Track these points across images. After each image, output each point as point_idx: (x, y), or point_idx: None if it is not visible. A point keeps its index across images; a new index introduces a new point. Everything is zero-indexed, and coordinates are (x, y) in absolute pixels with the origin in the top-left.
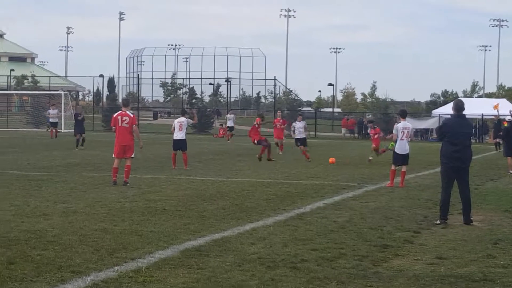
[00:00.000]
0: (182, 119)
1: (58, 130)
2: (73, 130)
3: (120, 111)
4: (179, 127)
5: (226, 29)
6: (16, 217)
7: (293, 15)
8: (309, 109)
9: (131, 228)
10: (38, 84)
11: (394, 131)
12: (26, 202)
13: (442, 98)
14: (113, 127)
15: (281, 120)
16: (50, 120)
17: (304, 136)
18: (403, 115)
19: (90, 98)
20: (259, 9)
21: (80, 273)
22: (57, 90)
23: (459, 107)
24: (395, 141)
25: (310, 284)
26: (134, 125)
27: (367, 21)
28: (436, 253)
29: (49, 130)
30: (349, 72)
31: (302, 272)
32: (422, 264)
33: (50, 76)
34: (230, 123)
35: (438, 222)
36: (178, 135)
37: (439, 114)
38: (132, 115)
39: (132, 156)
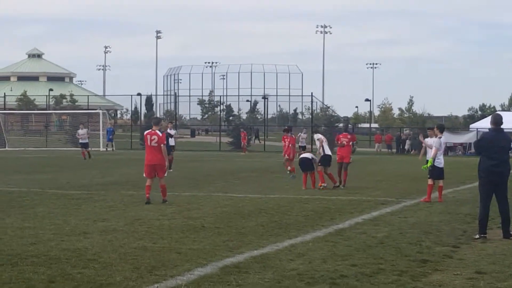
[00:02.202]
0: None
1: (89, 150)
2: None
3: (150, 130)
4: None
5: (262, 46)
6: (56, 236)
7: (329, 31)
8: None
9: (170, 246)
10: (76, 103)
11: (436, 145)
12: (66, 221)
13: (479, 112)
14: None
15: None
16: (80, 141)
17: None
18: (442, 129)
19: (128, 116)
20: (295, 26)
21: None
22: (95, 109)
23: (497, 121)
24: (434, 157)
25: None
26: (163, 145)
27: (403, 36)
28: (475, 268)
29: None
30: (386, 87)
31: None
32: (461, 279)
33: (88, 95)
34: (302, 143)
35: (477, 236)
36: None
37: (477, 129)
38: (161, 134)
39: (165, 174)
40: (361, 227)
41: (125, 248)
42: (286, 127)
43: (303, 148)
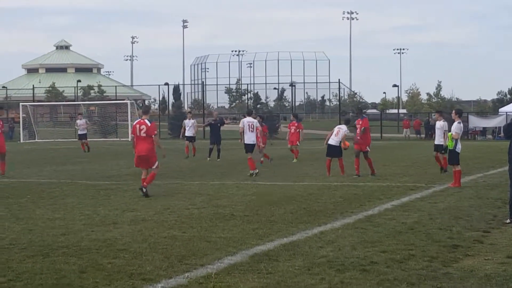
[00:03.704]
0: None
1: (87, 141)
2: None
3: (139, 119)
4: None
5: (288, 34)
6: (86, 226)
7: (355, 17)
8: (374, 110)
9: (200, 235)
10: (104, 94)
11: (458, 131)
12: (95, 211)
13: (509, 96)
14: (132, 135)
15: (296, 124)
16: (79, 132)
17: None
18: (460, 113)
19: (156, 106)
20: (321, 13)
21: (151, 281)
22: (123, 99)
23: None
24: (455, 141)
25: (380, 286)
26: (153, 135)
27: (429, 21)
28: (507, 253)
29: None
30: (414, 73)
31: (372, 275)
32: (493, 263)
33: (116, 86)
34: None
35: (508, 221)
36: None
37: (506, 112)
38: (150, 124)
39: (154, 166)
40: (391, 213)
41: (154, 237)
42: (294, 113)
43: None
